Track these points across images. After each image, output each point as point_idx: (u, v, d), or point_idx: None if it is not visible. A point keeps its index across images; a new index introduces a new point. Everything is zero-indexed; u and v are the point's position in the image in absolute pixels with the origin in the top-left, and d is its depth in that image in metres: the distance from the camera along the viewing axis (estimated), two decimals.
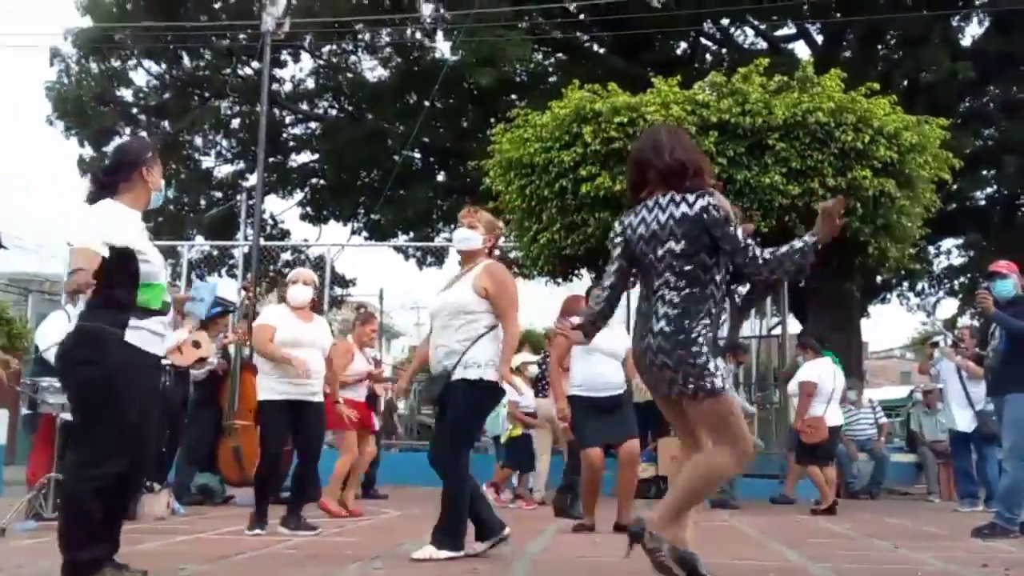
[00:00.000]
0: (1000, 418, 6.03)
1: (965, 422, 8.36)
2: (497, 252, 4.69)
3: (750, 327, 12.63)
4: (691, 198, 3.31)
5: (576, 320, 3.88)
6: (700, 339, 3.25)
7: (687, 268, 3.30)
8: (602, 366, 5.72)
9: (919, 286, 19.56)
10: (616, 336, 5.80)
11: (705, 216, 3.28)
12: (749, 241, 3.29)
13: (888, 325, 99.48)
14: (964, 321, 17.00)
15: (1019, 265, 6.24)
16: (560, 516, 6.70)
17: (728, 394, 3.35)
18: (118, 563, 3.27)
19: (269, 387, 5.32)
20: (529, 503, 8.27)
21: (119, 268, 3.24)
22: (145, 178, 3.47)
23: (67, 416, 4.99)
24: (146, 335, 3.29)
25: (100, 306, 3.26)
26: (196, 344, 6.81)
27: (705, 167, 3.48)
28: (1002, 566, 4.18)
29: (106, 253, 3.16)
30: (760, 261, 3.26)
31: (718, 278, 3.33)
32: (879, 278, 15.41)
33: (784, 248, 3.30)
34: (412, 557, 4.02)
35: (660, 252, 3.33)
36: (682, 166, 3.38)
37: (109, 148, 18.78)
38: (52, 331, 5.81)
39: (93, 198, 3.40)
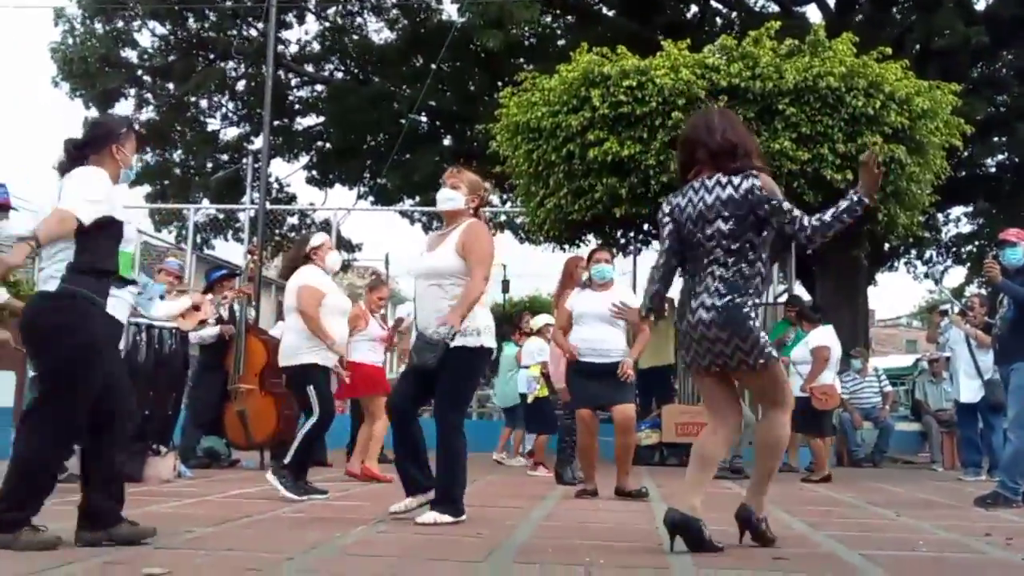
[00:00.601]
0: (1007, 387, 6.01)
1: (971, 393, 8.34)
2: (484, 212, 4.62)
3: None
4: (736, 180, 3.45)
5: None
6: (753, 314, 3.44)
7: (735, 247, 3.44)
8: (597, 331, 5.72)
9: (927, 254, 19.45)
10: (606, 299, 5.77)
11: (750, 196, 3.41)
12: (796, 212, 3.41)
13: (895, 293, 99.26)
14: (972, 289, 16.92)
15: None
16: (561, 483, 6.74)
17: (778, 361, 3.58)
18: (36, 525, 3.25)
19: (324, 355, 5.51)
20: (549, 470, 8.22)
21: (106, 234, 3.24)
22: (115, 155, 3.49)
23: None
24: (121, 304, 3.32)
25: (84, 271, 3.27)
26: (195, 308, 6.82)
27: (754, 149, 3.61)
28: (1004, 535, 4.18)
29: (86, 219, 3.19)
30: (810, 229, 3.38)
31: (764, 256, 3.50)
32: (887, 246, 15.32)
33: (831, 210, 3.39)
34: (417, 522, 4.04)
35: (709, 231, 3.47)
36: (732, 147, 3.51)
37: (115, 109, 18.72)
38: None
39: (64, 169, 3.40)
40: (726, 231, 3.43)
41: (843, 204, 3.38)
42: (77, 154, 3.45)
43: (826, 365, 7.97)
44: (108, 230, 3.31)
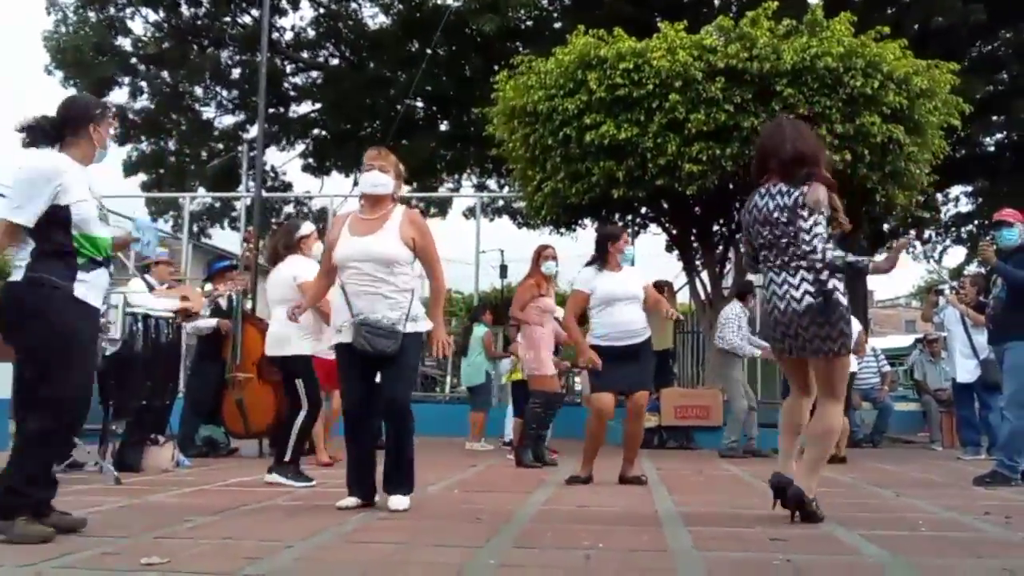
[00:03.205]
0: (1002, 366, 6.02)
1: (967, 373, 8.34)
2: (399, 195, 4.48)
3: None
4: (792, 190, 3.89)
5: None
6: (844, 306, 3.86)
7: (804, 242, 3.85)
8: (626, 313, 5.67)
9: (926, 234, 19.43)
10: (632, 278, 5.80)
11: (796, 203, 3.87)
12: (813, 234, 3.84)
13: (893, 274, 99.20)
14: (972, 269, 16.93)
15: None
16: (520, 466, 6.77)
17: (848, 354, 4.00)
18: (57, 511, 3.32)
19: (313, 345, 5.50)
20: (553, 452, 8.20)
21: (53, 219, 3.27)
22: (92, 135, 3.47)
23: None
24: (91, 288, 3.31)
25: (48, 256, 3.28)
26: (184, 298, 6.81)
27: (821, 157, 4.04)
28: (1003, 514, 4.19)
29: (26, 222, 3.24)
30: (808, 248, 3.83)
31: (838, 252, 3.95)
32: (886, 226, 15.29)
33: (844, 255, 3.98)
34: (394, 509, 4.07)
35: (777, 232, 3.91)
36: (801, 155, 3.92)
37: (109, 98, 18.63)
38: None
39: (31, 144, 3.39)
40: (792, 231, 3.86)
41: (853, 259, 4.04)
42: (54, 133, 3.43)
43: None
44: (54, 216, 3.29)
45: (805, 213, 3.84)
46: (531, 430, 7.00)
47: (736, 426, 8.52)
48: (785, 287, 3.89)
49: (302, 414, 5.39)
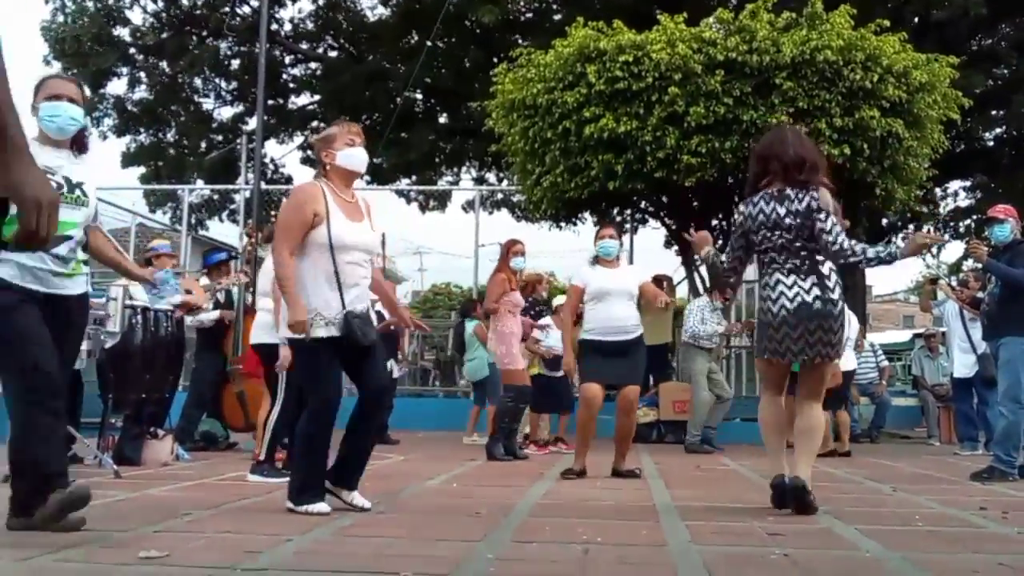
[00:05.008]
0: (997, 361, 6.04)
1: (965, 368, 8.36)
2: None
3: (753, 270, 12.56)
4: (801, 194, 3.98)
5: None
6: (843, 309, 4.00)
7: (814, 249, 3.96)
8: (618, 309, 5.69)
9: (925, 228, 19.41)
10: (628, 275, 5.83)
11: (810, 210, 3.94)
12: (836, 232, 3.91)
13: (891, 268, 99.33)
14: (970, 264, 16.93)
15: (1022, 208, 6.19)
16: (491, 459, 6.76)
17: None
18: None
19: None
20: (569, 446, 8.15)
21: None
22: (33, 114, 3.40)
23: None
24: (16, 267, 3.21)
25: None
26: (187, 292, 6.81)
27: (821, 165, 4.14)
28: (1000, 509, 4.20)
29: None
30: (836, 247, 3.89)
31: (867, 245, 4.02)
32: (885, 220, 15.28)
33: (863, 247, 3.95)
34: (366, 508, 3.87)
35: (789, 236, 3.97)
36: (803, 160, 4.02)
37: (107, 89, 18.59)
38: None
39: None
40: (805, 235, 3.94)
41: (878, 249, 3.96)
42: None
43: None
44: None
45: (823, 216, 3.92)
46: (503, 424, 7.01)
47: (699, 420, 8.45)
48: (796, 289, 3.95)
49: (276, 408, 5.25)
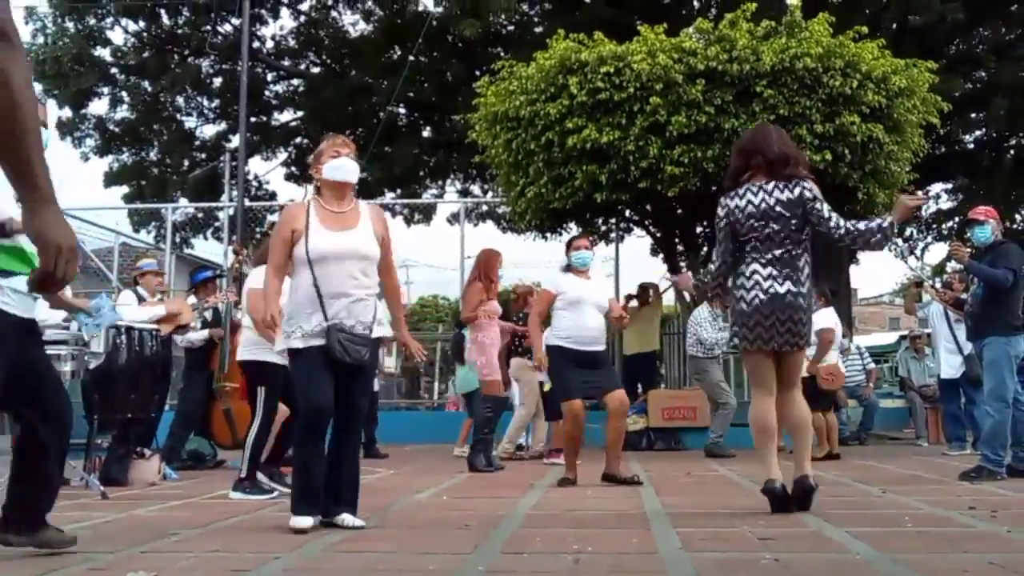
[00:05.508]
0: (982, 362, 6.08)
1: (952, 369, 8.41)
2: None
3: None
4: (791, 185, 4.09)
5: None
6: (812, 302, 4.20)
7: (798, 239, 4.09)
8: (590, 319, 5.78)
9: (907, 231, 19.58)
10: (600, 288, 5.92)
11: (803, 199, 4.07)
12: (835, 217, 4.07)
13: (876, 271, 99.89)
14: (953, 266, 17.06)
15: (1004, 208, 6.24)
16: (472, 471, 6.75)
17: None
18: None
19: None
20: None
21: None
22: None
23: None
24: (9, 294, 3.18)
25: None
26: (173, 315, 6.78)
27: (802, 160, 4.31)
28: (989, 508, 4.22)
29: None
30: (841, 231, 4.04)
31: (809, 247, 4.17)
32: None
33: (863, 224, 4.07)
34: (355, 527, 3.79)
35: (776, 227, 4.07)
36: (786, 156, 4.15)
37: (89, 109, 18.51)
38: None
39: None
40: (792, 226, 4.06)
41: (875, 223, 4.03)
42: None
43: (829, 347, 8.03)
44: None
45: (819, 204, 4.06)
46: (482, 435, 7.01)
47: (724, 422, 8.56)
48: (770, 281, 4.05)
49: (256, 425, 5.19)
